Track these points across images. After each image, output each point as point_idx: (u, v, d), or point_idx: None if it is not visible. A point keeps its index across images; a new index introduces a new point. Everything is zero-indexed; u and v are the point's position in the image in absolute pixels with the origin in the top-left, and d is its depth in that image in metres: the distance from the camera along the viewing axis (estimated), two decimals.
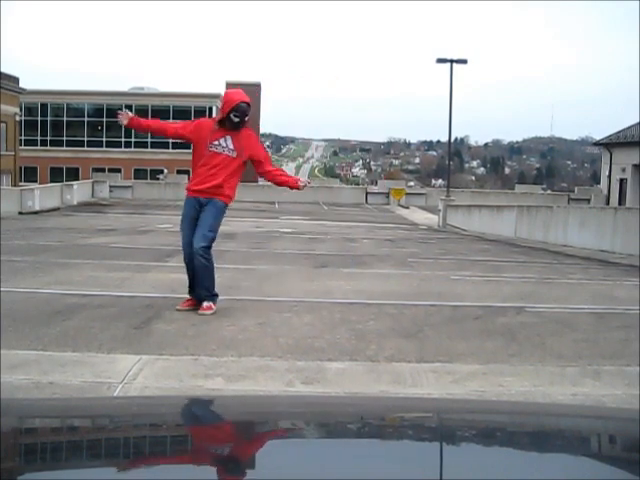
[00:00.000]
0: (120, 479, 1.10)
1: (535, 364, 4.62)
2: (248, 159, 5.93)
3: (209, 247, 5.83)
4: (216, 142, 5.77)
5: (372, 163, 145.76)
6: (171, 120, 50.75)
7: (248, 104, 5.82)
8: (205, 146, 5.77)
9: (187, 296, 6.04)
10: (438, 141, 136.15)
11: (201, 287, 5.87)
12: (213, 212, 5.83)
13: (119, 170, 43.96)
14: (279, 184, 6.17)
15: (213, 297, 5.91)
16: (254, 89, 57.52)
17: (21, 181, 36.92)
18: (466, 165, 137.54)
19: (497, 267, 10.88)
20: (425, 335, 5.41)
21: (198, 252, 5.74)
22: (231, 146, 5.80)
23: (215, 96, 49.79)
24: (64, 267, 8.98)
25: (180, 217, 6.08)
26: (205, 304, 5.83)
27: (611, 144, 32.85)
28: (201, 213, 5.82)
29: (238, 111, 5.73)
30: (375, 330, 5.49)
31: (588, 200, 32.13)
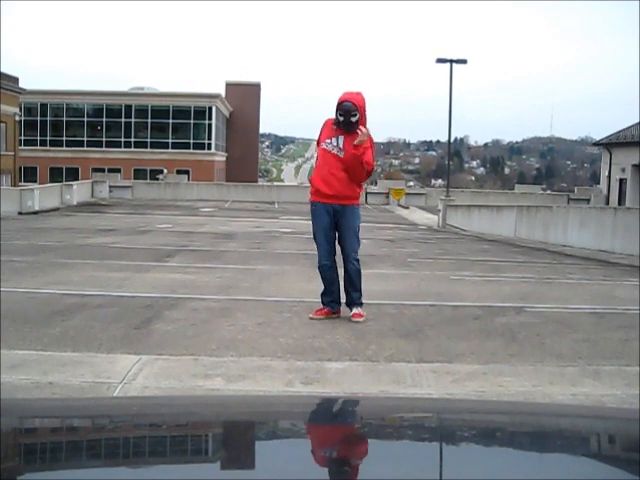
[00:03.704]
0: (120, 479, 1.10)
1: (535, 364, 4.62)
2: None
3: None
4: None
5: None
6: (171, 120, 50.63)
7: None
8: None
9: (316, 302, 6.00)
10: (438, 141, 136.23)
11: (355, 291, 5.86)
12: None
13: (119, 170, 43.94)
14: None
15: (361, 304, 5.93)
16: (254, 89, 57.50)
17: (21, 181, 36.92)
18: (466, 165, 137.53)
19: (497, 267, 10.88)
20: (425, 335, 5.41)
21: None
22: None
23: (215, 96, 49.83)
24: (64, 267, 8.98)
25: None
26: (358, 311, 5.83)
27: (611, 144, 32.84)
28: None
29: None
30: (375, 330, 5.49)
31: (588, 200, 32.11)
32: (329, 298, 5.87)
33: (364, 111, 5.75)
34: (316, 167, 6.04)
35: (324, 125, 5.92)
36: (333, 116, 5.81)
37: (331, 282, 5.87)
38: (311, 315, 5.82)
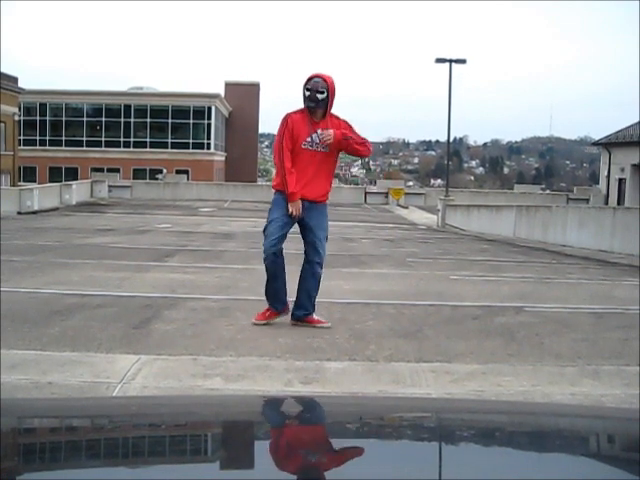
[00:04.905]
0: (119, 479, 1.10)
1: (534, 364, 4.62)
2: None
3: None
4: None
5: (371, 163, 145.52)
6: (170, 120, 50.49)
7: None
8: None
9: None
10: (437, 141, 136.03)
11: (308, 297, 5.51)
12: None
13: (118, 170, 43.92)
14: None
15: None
16: (253, 89, 57.49)
17: (20, 181, 36.89)
18: (465, 165, 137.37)
19: (496, 267, 10.89)
20: (424, 335, 5.41)
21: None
22: None
23: (214, 96, 49.81)
24: (63, 267, 8.98)
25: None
26: (316, 316, 5.55)
27: (610, 144, 32.84)
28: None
29: None
30: (374, 330, 5.49)
31: (587, 200, 32.12)
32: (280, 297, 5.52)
33: (333, 93, 5.28)
34: (288, 170, 5.29)
35: (289, 121, 5.30)
36: (293, 110, 5.38)
37: (276, 276, 5.41)
38: (254, 320, 5.47)
